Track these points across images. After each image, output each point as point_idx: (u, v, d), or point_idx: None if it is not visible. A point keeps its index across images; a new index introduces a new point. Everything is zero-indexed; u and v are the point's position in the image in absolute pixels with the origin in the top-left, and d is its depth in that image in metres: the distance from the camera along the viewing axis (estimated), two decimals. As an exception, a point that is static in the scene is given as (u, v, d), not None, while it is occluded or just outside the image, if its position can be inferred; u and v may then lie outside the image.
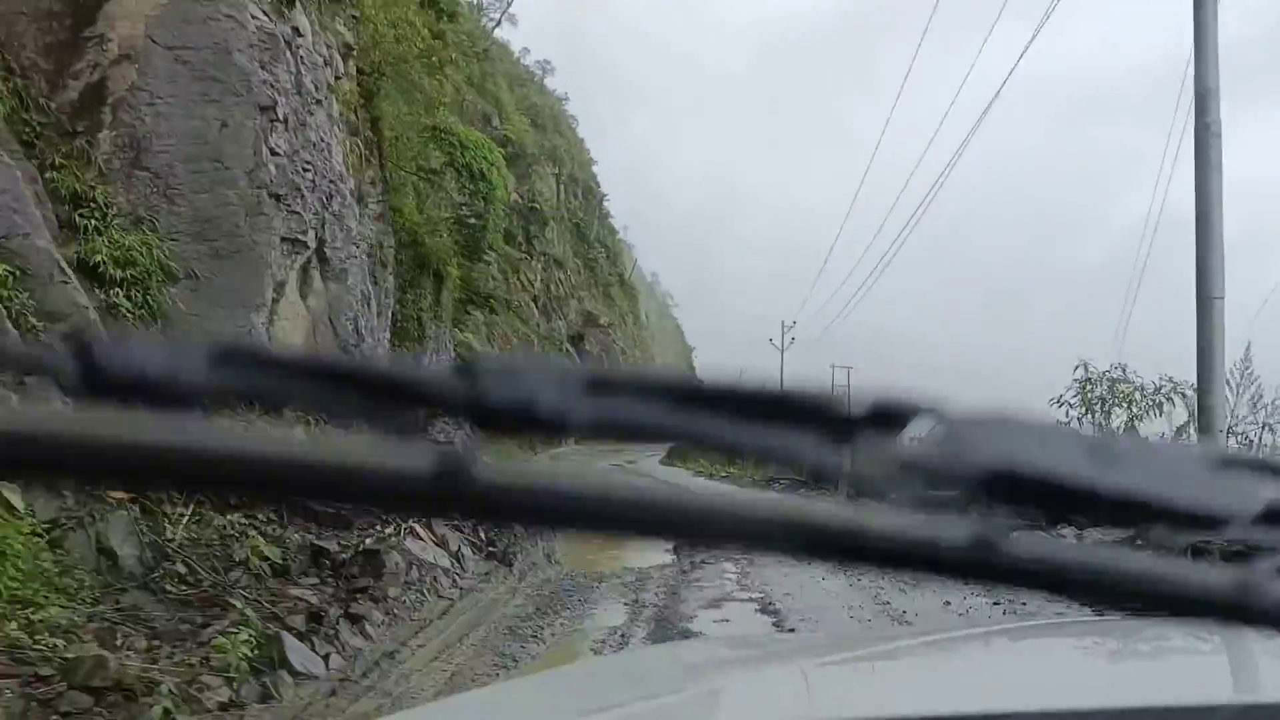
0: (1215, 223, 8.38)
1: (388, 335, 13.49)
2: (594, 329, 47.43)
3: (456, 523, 7.35)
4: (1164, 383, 13.14)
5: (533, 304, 43.82)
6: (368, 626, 5.53)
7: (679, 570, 8.09)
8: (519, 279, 43.83)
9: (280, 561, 5.96)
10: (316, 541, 6.53)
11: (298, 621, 5.09)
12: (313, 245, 8.85)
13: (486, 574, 7.64)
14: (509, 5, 45.33)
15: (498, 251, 16.29)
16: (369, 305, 10.88)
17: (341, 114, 11.07)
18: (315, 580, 6.09)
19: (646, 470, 17.54)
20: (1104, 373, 13.20)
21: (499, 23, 45.71)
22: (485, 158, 14.34)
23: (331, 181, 8.45)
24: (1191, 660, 1.27)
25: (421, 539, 7.43)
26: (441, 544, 7.82)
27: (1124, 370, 13.16)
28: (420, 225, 14.95)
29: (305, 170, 8.64)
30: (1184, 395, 12.45)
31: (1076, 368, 13.40)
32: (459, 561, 7.80)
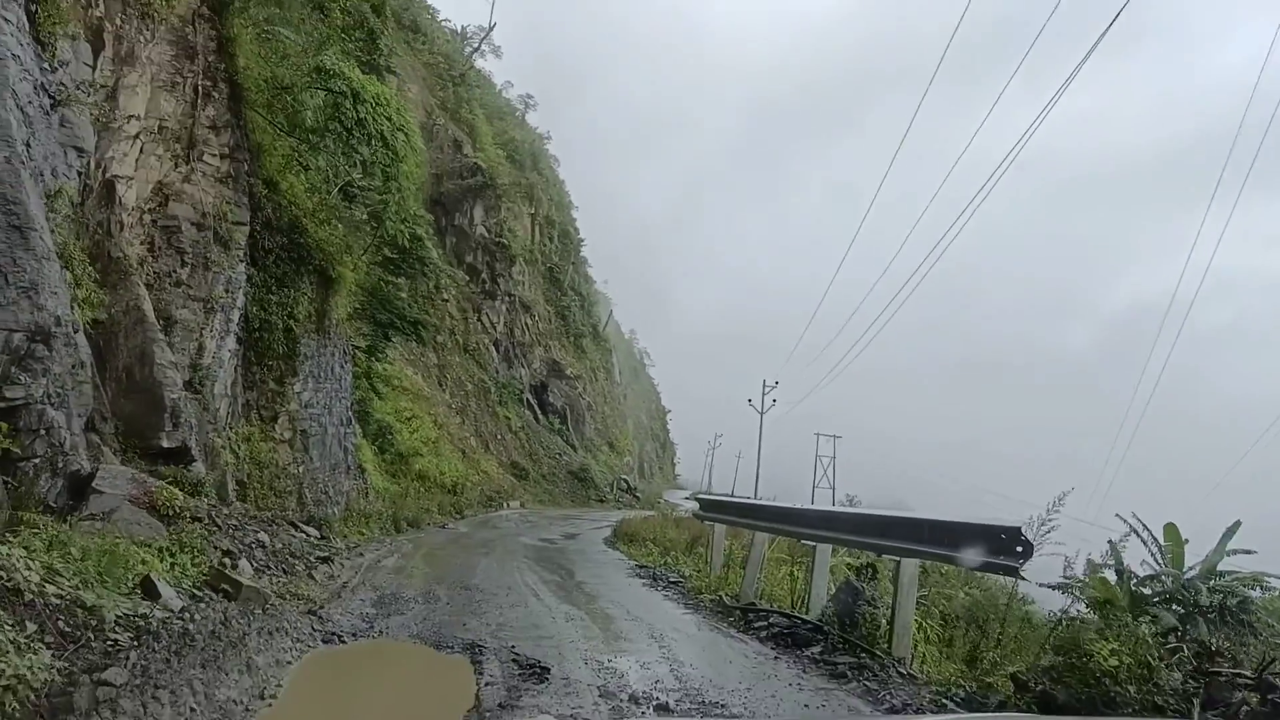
0: None
1: (231, 341, 9.88)
2: (559, 380, 43.85)
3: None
4: None
5: (493, 347, 40.26)
6: None
7: None
8: (480, 319, 40.40)
9: None
10: None
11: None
12: None
13: None
14: (489, 31, 43.23)
15: (406, 250, 12.76)
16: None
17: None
18: None
19: (582, 547, 13.79)
20: None
21: (478, 48, 43.54)
22: (389, 118, 10.91)
23: None
24: None
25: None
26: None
27: None
28: (309, 210, 11.52)
29: None
30: None
31: None
32: None
